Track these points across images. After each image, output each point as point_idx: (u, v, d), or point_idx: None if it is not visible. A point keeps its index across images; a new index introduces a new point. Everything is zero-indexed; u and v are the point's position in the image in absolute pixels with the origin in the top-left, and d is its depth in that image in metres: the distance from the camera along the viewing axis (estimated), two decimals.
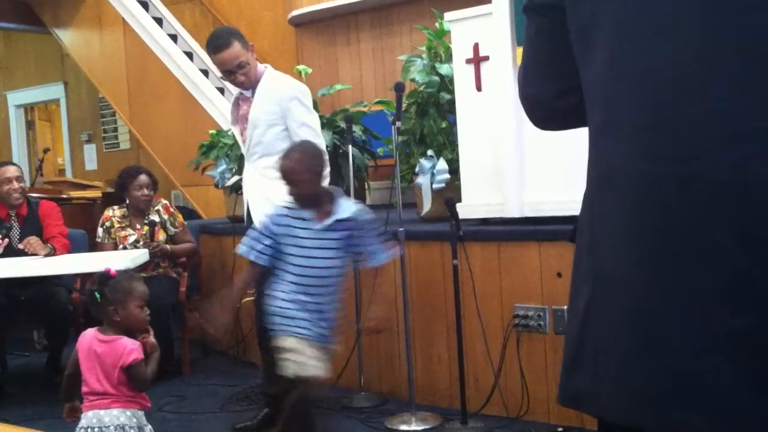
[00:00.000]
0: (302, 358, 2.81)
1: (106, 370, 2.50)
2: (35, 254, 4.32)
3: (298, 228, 2.87)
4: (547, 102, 1.23)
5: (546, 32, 1.18)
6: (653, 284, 0.94)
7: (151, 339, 2.64)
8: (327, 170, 3.01)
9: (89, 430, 2.44)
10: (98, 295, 2.56)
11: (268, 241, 2.86)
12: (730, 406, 0.89)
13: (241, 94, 3.54)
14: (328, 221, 2.85)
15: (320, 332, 2.85)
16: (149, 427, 2.57)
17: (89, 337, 2.58)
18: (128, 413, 2.49)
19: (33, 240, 4.40)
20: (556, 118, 1.28)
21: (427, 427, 3.47)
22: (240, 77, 3.42)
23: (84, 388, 2.53)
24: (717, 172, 0.90)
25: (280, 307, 2.84)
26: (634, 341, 0.96)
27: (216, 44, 3.40)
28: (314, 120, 3.50)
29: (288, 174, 2.87)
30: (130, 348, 2.51)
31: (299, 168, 2.86)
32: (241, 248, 2.92)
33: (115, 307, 2.55)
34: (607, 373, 1.00)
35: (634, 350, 0.96)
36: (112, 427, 2.44)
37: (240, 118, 3.57)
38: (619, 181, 0.99)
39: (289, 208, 2.90)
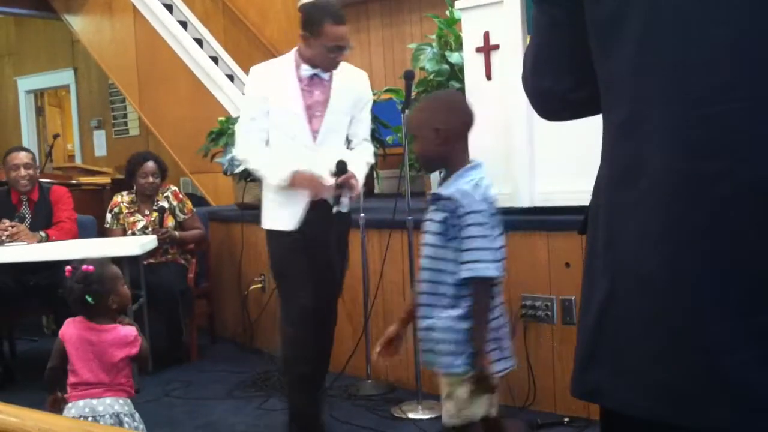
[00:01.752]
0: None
1: (103, 359, 2.51)
2: (22, 242, 4.33)
3: None
4: (562, 94, 1.21)
5: (561, 23, 1.16)
6: (683, 281, 0.94)
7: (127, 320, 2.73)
8: (460, 131, 2.33)
9: (82, 419, 2.43)
10: (91, 298, 2.57)
11: None
12: (759, 401, 0.89)
13: (315, 76, 3.19)
14: (430, 195, 2.28)
15: (433, 354, 2.24)
16: (137, 414, 2.60)
17: (77, 327, 2.59)
18: (121, 401, 2.52)
19: (23, 229, 4.42)
20: (568, 109, 1.26)
21: (433, 415, 3.46)
22: (343, 56, 3.19)
23: (72, 379, 2.53)
24: (744, 169, 0.90)
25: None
26: (661, 337, 0.95)
27: (341, 15, 3.11)
28: None
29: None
30: (133, 336, 2.56)
31: (415, 121, 2.36)
32: None
33: (111, 296, 2.59)
34: (628, 368, 0.99)
35: (660, 346, 0.95)
36: (107, 416, 2.46)
37: (313, 104, 3.21)
38: (648, 177, 0.98)
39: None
